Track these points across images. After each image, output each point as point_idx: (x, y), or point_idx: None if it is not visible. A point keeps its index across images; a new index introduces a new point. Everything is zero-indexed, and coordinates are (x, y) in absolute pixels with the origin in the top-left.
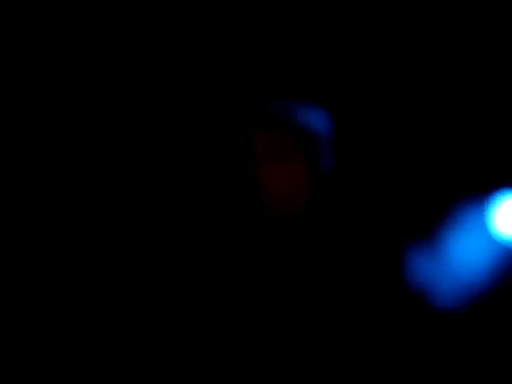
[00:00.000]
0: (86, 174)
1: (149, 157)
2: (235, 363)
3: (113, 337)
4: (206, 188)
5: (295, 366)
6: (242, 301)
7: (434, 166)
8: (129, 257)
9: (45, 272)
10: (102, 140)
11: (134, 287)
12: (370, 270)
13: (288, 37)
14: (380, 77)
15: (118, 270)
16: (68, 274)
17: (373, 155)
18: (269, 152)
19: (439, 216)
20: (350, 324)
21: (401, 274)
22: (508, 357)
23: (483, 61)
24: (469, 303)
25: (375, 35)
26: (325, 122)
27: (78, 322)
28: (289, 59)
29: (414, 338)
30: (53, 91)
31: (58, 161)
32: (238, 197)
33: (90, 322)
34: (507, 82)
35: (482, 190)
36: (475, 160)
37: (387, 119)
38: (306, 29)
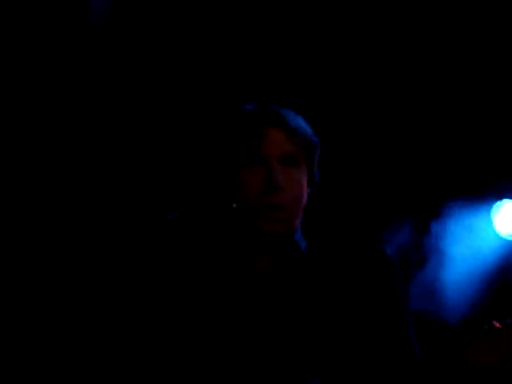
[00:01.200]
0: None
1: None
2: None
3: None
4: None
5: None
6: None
7: (433, 168)
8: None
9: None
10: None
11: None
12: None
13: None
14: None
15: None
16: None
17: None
18: (281, 157)
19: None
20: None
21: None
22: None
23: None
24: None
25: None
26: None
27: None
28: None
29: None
30: (52, 92)
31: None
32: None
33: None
34: (505, 88)
35: (484, 193)
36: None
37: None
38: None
